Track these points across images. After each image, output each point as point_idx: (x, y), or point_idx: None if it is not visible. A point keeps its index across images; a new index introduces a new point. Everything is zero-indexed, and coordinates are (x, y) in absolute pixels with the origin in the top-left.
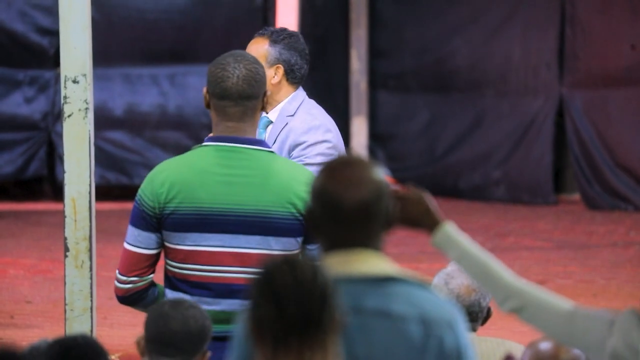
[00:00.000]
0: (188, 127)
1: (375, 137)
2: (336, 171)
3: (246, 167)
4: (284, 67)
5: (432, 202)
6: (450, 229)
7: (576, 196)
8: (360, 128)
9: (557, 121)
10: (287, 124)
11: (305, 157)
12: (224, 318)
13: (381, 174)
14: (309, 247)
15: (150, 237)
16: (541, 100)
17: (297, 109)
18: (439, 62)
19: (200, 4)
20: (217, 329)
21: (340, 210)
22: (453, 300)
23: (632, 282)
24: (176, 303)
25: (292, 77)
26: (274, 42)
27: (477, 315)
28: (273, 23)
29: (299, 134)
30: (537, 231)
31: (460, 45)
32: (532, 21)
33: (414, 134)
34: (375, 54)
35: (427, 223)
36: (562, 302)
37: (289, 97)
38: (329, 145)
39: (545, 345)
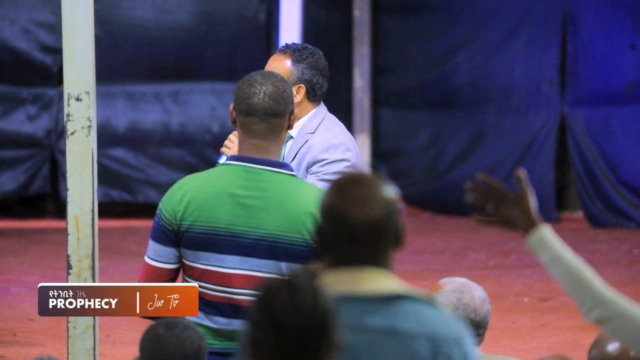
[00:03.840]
0: (191, 144)
1: (379, 154)
2: (346, 188)
3: (264, 189)
4: (306, 86)
5: (533, 203)
6: (545, 232)
7: (579, 214)
8: (363, 145)
9: (559, 138)
10: (307, 141)
11: (323, 174)
12: (236, 337)
13: (391, 191)
14: None
15: (171, 252)
16: (543, 117)
17: (318, 126)
18: (441, 79)
19: (204, 22)
20: (227, 345)
21: (349, 228)
22: (471, 315)
23: (636, 300)
24: (171, 324)
25: (313, 96)
26: (296, 61)
27: (486, 327)
28: (276, 40)
29: (319, 151)
30: None
31: (463, 63)
32: (534, 38)
33: (417, 151)
34: (378, 71)
35: (522, 224)
36: None
37: (309, 114)
38: (348, 164)
39: None
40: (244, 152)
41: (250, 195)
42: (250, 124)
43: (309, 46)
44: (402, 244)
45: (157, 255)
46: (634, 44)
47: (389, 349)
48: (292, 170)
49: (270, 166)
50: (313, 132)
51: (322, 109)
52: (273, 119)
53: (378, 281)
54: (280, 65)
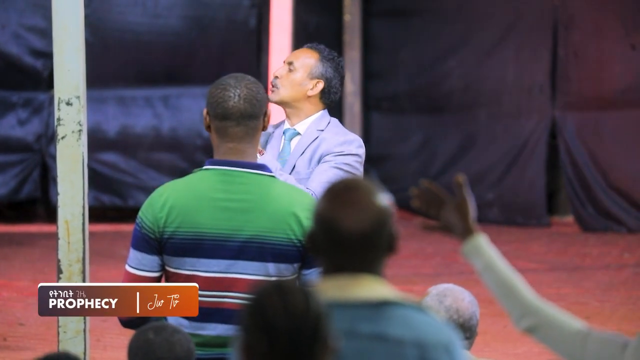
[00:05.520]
0: (182, 148)
1: (369, 159)
2: (338, 196)
3: (245, 192)
4: (324, 84)
5: (472, 210)
6: (481, 240)
7: (569, 218)
8: None
9: (550, 143)
10: (318, 136)
11: (335, 163)
12: (220, 342)
13: (384, 199)
14: (305, 272)
15: (154, 260)
16: (534, 122)
17: (327, 125)
18: (432, 84)
19: (195, 27)
20: (212, 352)
21: (339, 237)
22: (454, 316)
23: (626, 305)
24: (159, 329)
25: (326, 97)
26: (324, 58)
27: (474, 330)
28: (267, 45)
29: (334, 144)
30: (531, 253)
31: (454, 67)
32: (525, 43)
33: (408, 156)
34: (368, 76)
35: (460, 230)
36: (576, 323)
37: (319, 114)
38: (359, 160)
39: None
40: (221, 156)
41: (232, 199)
42: (226, 127)
43: (337, 53)
44: (396, 250)
45: (140, 264)
46: (634, 45)
47: (378, 354)
48: (270, 172)
49: (249, 168)
50: (323, 130)
51: (327, 114)
52: (249, 121)
53: (369, 288)
54: (308, 56)
